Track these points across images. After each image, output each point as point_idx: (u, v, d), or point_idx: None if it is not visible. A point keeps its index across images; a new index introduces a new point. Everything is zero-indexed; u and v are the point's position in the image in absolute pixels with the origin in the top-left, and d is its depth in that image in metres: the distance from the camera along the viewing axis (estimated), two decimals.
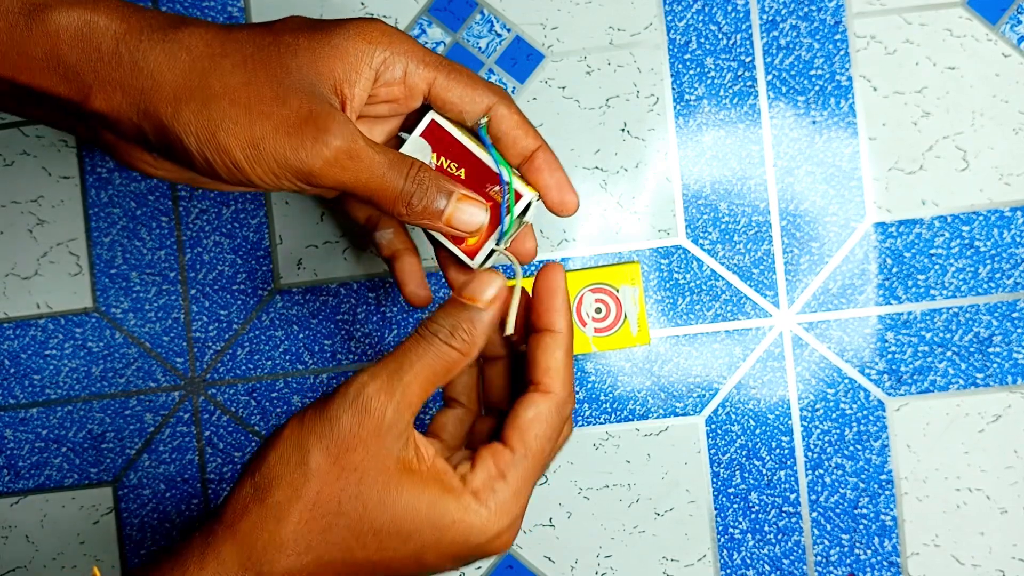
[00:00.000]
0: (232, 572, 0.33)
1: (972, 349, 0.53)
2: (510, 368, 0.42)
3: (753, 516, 0.54)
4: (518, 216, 0.40)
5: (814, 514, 0.53)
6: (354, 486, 0.34)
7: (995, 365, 0.53)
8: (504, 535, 0.36)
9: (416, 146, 0.40)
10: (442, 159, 0.40)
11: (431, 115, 0.40)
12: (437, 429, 0.41)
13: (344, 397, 0.35)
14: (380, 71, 0.37)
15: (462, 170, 0.40)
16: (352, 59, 0.37)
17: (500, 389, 0.42)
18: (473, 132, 0.41)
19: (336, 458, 0.34)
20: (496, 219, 0.40)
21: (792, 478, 0.53)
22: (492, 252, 0.40)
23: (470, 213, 0.38)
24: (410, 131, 0.41)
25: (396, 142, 0.42)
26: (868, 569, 0.53)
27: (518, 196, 0.40)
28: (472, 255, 0.40)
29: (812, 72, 0.54)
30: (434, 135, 0.40)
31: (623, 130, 0.54)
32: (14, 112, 0.39)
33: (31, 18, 0.35)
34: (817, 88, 0.54)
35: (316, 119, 0.35)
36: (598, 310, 0.52)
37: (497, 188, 0.40)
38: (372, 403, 0.34)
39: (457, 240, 0.40)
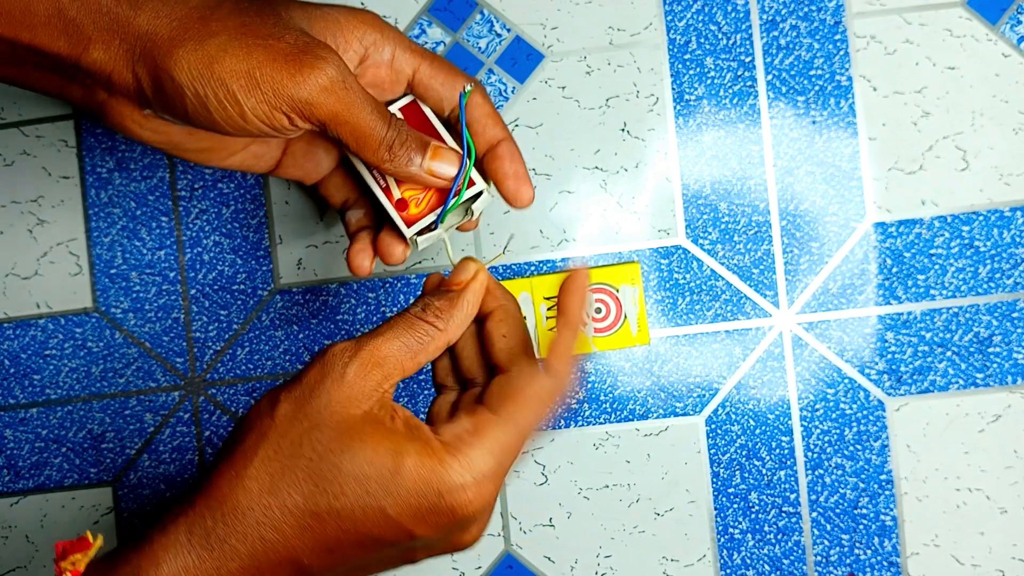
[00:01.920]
0: (200, 516, 0.34)
1: (972, 349, 0.53)
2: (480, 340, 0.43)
3: (753, 516, 0.54)
4: (465, 200, 0.41)
5: (814, 514, 0.53)
6: (315, 430, 0.35)
7: (995, 365, 0.53)
8: (468, 489, 0.35)
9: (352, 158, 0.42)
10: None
11: (412, 95, 0.42)
12: (433, 417, 0.42)
13: (315, 358, 0.36)
14: (370, 51, 0.40)
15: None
16: (345, 32, 0.39)
17: (475, 362, 0.42)
18: (447, 121, 0.43)
19: (300, 406, 0.35)
20: (443, 198, 0.41)
21: (792, 478, 0.53)
22: (429, 227, 0.42)
23: (447, 162, 0.40)
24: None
25: None
26: (868, 569, 0.53)
27: (471, 183, 0.41)
28: (409, 223, 0.42)
29: (812, 72, 0.54)
30: (412, 112, 0.42)
31: (623, 130, 0.54)
32: (8, 79, 0.40)
33: None
34: (817, 88, 0.54)
35: (311, 49, 0.37)
36: (598, 310, 0.52)
37: (416, 187, 0.42)
38: (336, 359, 0.36)
39: (400, 206, 0.41)
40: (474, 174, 0.41)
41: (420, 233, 0.42)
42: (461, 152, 0.41)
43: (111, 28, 0.37)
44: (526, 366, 0.38)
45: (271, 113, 0.37)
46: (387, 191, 0.42)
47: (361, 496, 0.34)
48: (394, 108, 0.42)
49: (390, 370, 0.36)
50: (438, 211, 0.41)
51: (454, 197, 0.41)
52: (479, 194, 0.42)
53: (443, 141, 0.42)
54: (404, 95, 0.43)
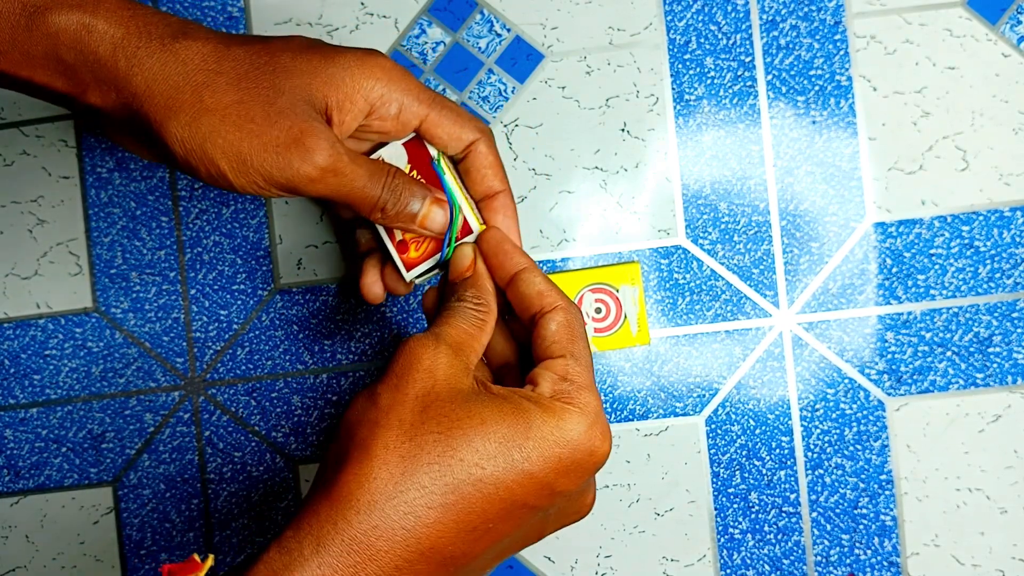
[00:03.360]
0: (330, 522, 0.32)
1: (972, 349, 0.53)
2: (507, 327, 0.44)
3: (753, 516, 0.54)
4: (458, 246, 0.43)
5: (814, 514, 0.53)
6: (432, 406, 0.34)
7: (995, 365, 0.53)
8: (594, 429, 0.35)
9: (395, 151, 0.43)
10: (413, 172, 0.42)
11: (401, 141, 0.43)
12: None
13: (399, 350, 0.37)
14: (376, 105, 0.40)
15: (421, 176, 0.43)
16: (348, 89, 0.39)
17: (502, 352, 0.43)
18: (451, 160, 0.44)
19: (405, 391, 0.35)
20: (439, 246, 0.43)
21: (792, 478, 0.53)
22: (427, 272, 0.43)
23: (440, 216, 0.42)
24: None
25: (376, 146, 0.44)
26: (868, 569, 0.53)
27: (468, 230, 0.42)
28: (409, 267, 0.43)
29: (812, 72, 0.54)
30: (415, 149, 0.43)
31: (623, 130, 0.54)
32: (11, 87, 0.41)
33: (32, 19, 0.36)
34: (817, 88, 0.54)
35: (303, 139, 0.37)
36: (598, 310, 0.52)
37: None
38: (423, 348, 0.36)
39: (402, 248, 0.43)
40: (470, 217, 0.42)
41: (420, 276, 0.43)
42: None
43: (107, 81, 0.37)
44: (551, 315, 0.39)
45: (262, 192, 0.38)
46: (390, 232, 0.43)
47: (499, 458, 0.34)
48: (397, 142, 0.43)
49: (469, 351, 0.37)
50: (436, 257, 0.43)
51: (447, 246, 0.42)
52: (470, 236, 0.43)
53: (436, 183, 0.42)
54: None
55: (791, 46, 0.54)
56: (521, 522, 0.35)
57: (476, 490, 0.33)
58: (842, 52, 0.54)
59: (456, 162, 0.43)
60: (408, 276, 0.43)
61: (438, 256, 0.43)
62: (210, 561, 0.32)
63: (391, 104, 0.40)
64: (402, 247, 0.43)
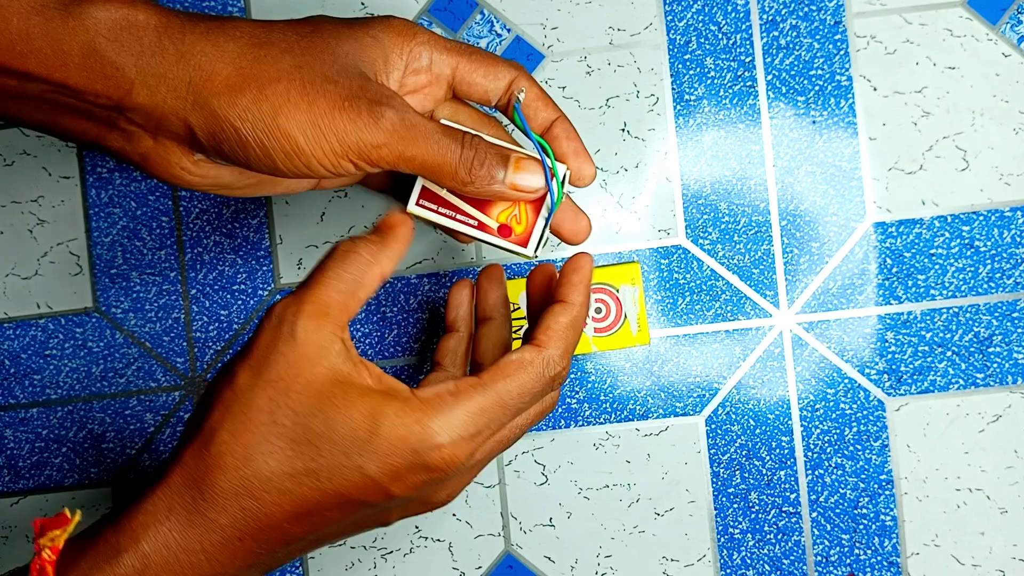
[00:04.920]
0: (178, 495, 0.34)
1: (972, 349, 0.53)
2: (507, 341, 0.44)
3: (753, 516, 0.54)
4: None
5: (814, 514, 0.53)
6: (283, 397, 0.34)
7: (995, 365, 0.53)
8: (444, 448, 0.34)
9: (416, 213, 0.41)
10: (443, 212, 0.41)
11: (420, 182, 0.41)
12: (439, 357, 0.43)
13: (262, 321, 0.35)
14: (408, 60, 0.38)
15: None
16: (387, 50, 0.38)
17: (490, 352, 0.43)
18: (501, 111, 0.42)
19: (259, 373, 0.34)
20: (537, 205, 0.40)
21: (792, 478, 0.53)
22: (543, 235, 0.41)
23: (531, 173, 0.39)
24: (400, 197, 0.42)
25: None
26: (868, 569, 0.53)
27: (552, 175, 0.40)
28: (524, 243, 0.41)
29: (812, 72, 0.54)
30: (429, 198, 0.41)
31: (623, 130, 0.54)
32: (41, 126, 0.38)
33: (67, 12, 0.34)
34: (817, 88, 0.54)
35: (369, 94, 0.36)
36: (598, 310, 0.52)
37: (506, 206, 0.41)
38: (283, 319, 0.35)
39: (505, 232, 0.40)
40: (549, 161, 0.40)
41: (540, 244, 0.41)
42: (538, 157, 0.40)
43: (156, 72, 0.35)
44: (529, 349, 0.37)
45: (337, 162, 0.36)
46: (481, 226, 0.41)
47: (338, 456, 0.34)
48: (412, 205, 0.41)
49: (337, 315, 0.35)
50: (545, 216, 0.40)
51: (553, 182, 0.40)
52: (565, 177, 0.41)
53: (466, 201, 0.41)
54: (410, 179, 0.41)
55: (791, 46, 0.54)
56: (354, 511, 0.35)
57: (312, 481, 0.34)
58: (842, 52, 0.54)
59: (505, 110, 0.42)
60: (531, 252, 0.41)
61: (547, 214, 0.40)
62: (78, 516, 0.34)
63: (421, 56, 0.39)
64: (504, 231, 0.41)
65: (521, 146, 0.41)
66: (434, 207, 0.41)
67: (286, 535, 0.35)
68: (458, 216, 0.41)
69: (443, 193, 0.41)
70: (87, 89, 0.35)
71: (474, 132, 0.39)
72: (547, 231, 0.41)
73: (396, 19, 0.39)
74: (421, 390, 0.36)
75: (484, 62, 0.40)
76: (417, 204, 0.41)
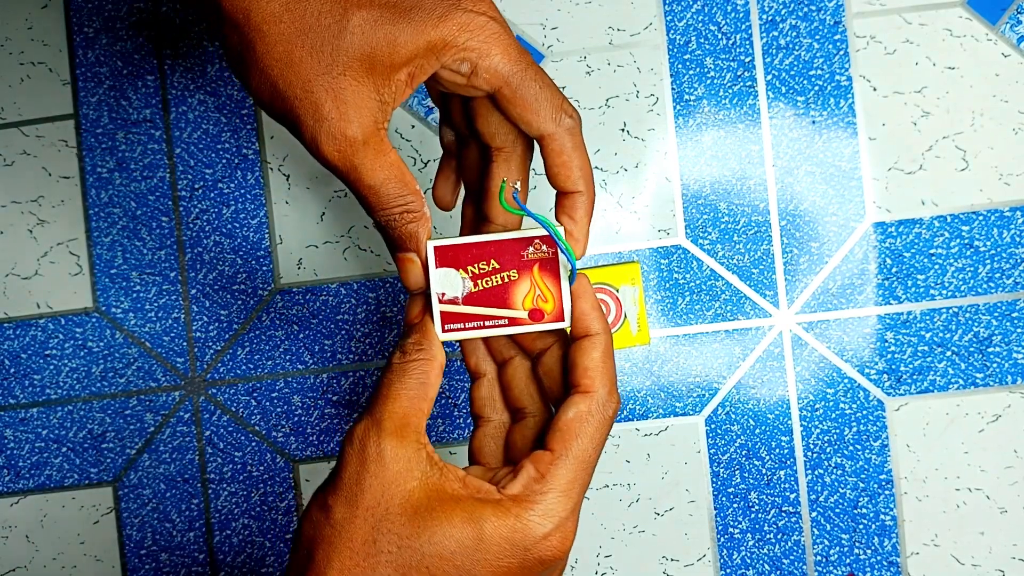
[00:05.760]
0: None
1: (972, 349, 0.53)
2: (534, 368, 0.42)
3: (753, 516, 0.54)
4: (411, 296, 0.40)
5: (814, 514, 0.53)
6: (383, 523, 0.34)
7: (995, 365, 0.53)
8: (552, 537, 0.35)
9: (440, 277, 0.40)
10: (470, 269, 0.40)
11: (437, 308, 0.39)
12: (475, 452, 0.41)
13: (344, 449, 0.35)
14: (449, 55, 0.36)
15: (493, 261, 0.40)
16: (421, 42, 0.36)
17: (526, 391, 0.41)
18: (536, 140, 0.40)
19: (354, 505, 0.34)
20: (554, 273, 0.39)
21: (792, 478, 0.53)
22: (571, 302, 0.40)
23: (408, 275, 0.39)
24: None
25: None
26: (868, 569, 0.53)
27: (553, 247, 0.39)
28: (560, 318, 0.39)
29: (812, 72, 0.54)
30: (451, 320, 0.40)
31: (623, 130, 0.54)
32: None
33: None
34: (817, 88, 0.54)
35: (327, 103, 0.35)
36: None
37: (531, 250, 0.39)
38: (367, 442, 0.35)
39: (536, 315, 0.39)
40: (553, 232, 0.39)
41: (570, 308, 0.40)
42: (524, 265, 0.39)
43: None
44: (582, 400, 0.37)
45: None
46: (512, 322, 0.39)
47: (451, 573, 0.34)
48: (432, 272, 0.39)
49: (416, 423, 0.36)
50: (566, 287, 0.39)
51: (573, 267, 0.39)
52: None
53: (491, 246, 0.39)
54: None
55: (791, 46, 0.54)
56: None
57: None
58: (842, 52, 0.54)
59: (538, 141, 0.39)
60: (567, 325, 0.39)
61: (566, 284, 0.39)
62: None
63: (463, 60, 0.37)
64: (536, 315, 0.39)
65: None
66: (460, 326, 0.40)
67: None
68: (487, 324, 0.40)
69: (461, 309, 0.40)
70: None
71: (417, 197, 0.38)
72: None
73: (482, 4, 0.37)
74: (509, 487, 0.35)
75: (535, 99, 0.37)
76: (444, 331, 0.39)
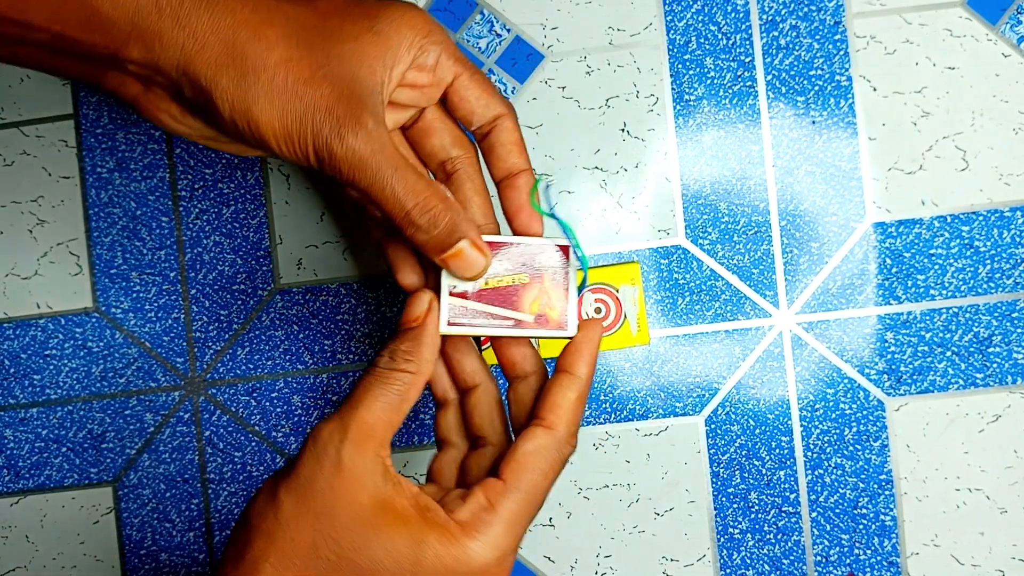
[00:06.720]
0: None
1: (972, 349, 0.53)
2: (500, 399, 0.42)
3: (753, 516, 0.54)
4: (415, 294, 0.40)
5: (814, 514, 0.53)
6: (327, 528, 0.34)
7: (995, 365, 0.53)
8: (491, 569, 0.35)
9: (450, 333, 0.40)
10: (491, 282, 0.40)
11: (446, 301, 0.39)
12: (435, 474, 0.41)
13: (306, 445, 0.35)
14: (416, 55, 0.38)
15: (506, 261, 0.40)
16: (394, 45, 0.37)
17: (487, 420, 0.41)
18: (477, 138, 0.41)
19: (303, 502, 0.34)
20: (564, 282, 0.40)
21: (792, 478, 0.53)
22: (578, 313, 0.40)
23: (477, 259, 0.38)
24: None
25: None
26: (868, 569, 0.53)
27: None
28: (564, 327, 0.40)
29: (812, 72, 0.54)
30: (457, 314, 0.40)
31: (623, 130, 0.54)
32: (46, 68, 0.38)
33: None
34: (817, 88, 0.54)
35: (349, 110, 0.35)
36: (598, 310, 0.52)
37: (545, 256, 0.40)
38: (328, 445, 0.35)
39: (541, 321, 0.40)
40: (572, 241, 0.40)
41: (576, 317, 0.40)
42: (482, 246, 0.39)
43: (151, 29, 0.34)
44: (541, 435, 0.37)
45: (299, 159, 0.36)
46: (518, 323, 0.40)
47: None
48: (446, 299, 0.39)
49: (382, 435, 0.35)
50: (573, 296, 0.40)
51: (586, 276, 0.40)
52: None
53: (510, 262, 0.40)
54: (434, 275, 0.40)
55: (791, 46, 0.54)
56: None
57: None
58: (842, 52, 0.54)
59: (479, 138, 0.41)
60: (571, 332, 0.40)
61: (574, 294, 0.40)
62: None
63: (430, 54, 0.38)
64: (542, 320, 0.40)
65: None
66: (466, 322, 0.39)
67: None
68: (492, 322, 0.40)
69: (471, 304, 0.39)
70: (85, 40, 0.35)
71: (444, 191, 0.38)
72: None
73: (416, 11, 0.38)
74: (458, 512, 0.35)
75: (484, 85, 0.39)
76: (449, 324, 0.39)
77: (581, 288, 0.40)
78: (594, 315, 0.52)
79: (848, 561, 0.53)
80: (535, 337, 0.40)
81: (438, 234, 0.37)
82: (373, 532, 0.34)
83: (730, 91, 0.54)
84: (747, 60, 0.54)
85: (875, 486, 0.53)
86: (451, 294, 0.39)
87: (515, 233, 0.41)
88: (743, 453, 0.54)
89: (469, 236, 0.37)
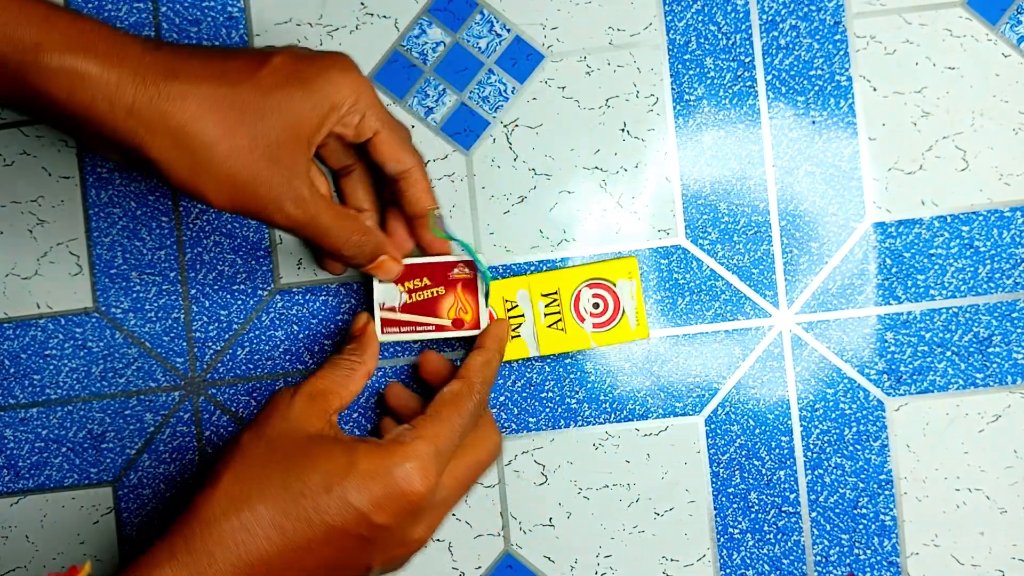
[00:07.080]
0: (180, 534, 0.40)
1: (972, 349, 0.53)
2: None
3: (753, 516, 0.54)
4: (358, 315, 0.51)
5: (814, 514, 0.53)
6: (276, 450, 0.42)
7: (995, 365, 0.53)
8: (415, 473, 0.41)
9: (383, 290, 0.51)
10: (406, 284, 0.51)
11: (378, 314, 0.51)
12: (382, 432, 0.52)
13: (266, 402, 0.45)
14: (344, 113, 0.45)
15: (425, 278, 0.50)
16: (326, 107, 0.44)
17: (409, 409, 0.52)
18: (390, 179, 0.50)
19: (258, 434, 0.43)
20: (473, 290, 0.51)
21: (792, 478, 0.53)
22: (484, 316, 0.51)
23: (384, 272, 0.50)
24: None
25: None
26: (868, 569, 0.53)
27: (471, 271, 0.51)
28: (477, 326, 0.50)
29: (812, 72, 0.54)
30: (390, 324, 0.51)
31: (623, 130, 0.54)
32: (25, 112, 0.43)
33: (36, 53, 0.39)
34: (817, 88, 0.54)
35: (287, 176, 0.43)
36: (596, 305, 0.52)
37: (455, 271, 0.50)
38: (283, 397, 0.44)
39: (458, 324, 0.50)
40: (475, 258, 0.50)
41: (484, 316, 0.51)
42: (449, 282, 0.51)
43: (104, 125, 0.40)
44: (455, 382, 0.47)
45: (240, 214, 0.44)
46: (439, 328, 0.50)
47: (323, 490, 0.40)
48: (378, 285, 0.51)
49: (330, 398, 0.45)
50: (482, 300, 0.51)
51: (487, 285, 0.50)
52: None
53: (424, 267, 0.51)
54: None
55: (791, 46, 0.54)
56: (342, 547, 0.41)
57: (301, 513, 0.40)
58: (842, 52, 0.54)
59: (392, 182, 0.49)
60: (485, 326, 0.51)
61: (483, 299, 0.51)
62: (87, 567, 0.40)
63: (355, 115, 0.46)
64: (458, 323, 0.50)
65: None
66: (396, 330, 0.50)
67: (277, 571, 0.40)
68: (418, 329, 0.50)
69: (398, 315, 0.50)
70: (54, 111, 0.41)
71: (369, 226, 0.48)
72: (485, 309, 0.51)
73: (349, 76, 0.45)
74: (385, 436, 0.43)
75: (396, 142, 0.48)
76: (383, 332, 0.50)
77: (487, 294, 0.50)
78: (592, 310, 0.53)
79: (848, 561, 0.53)
80: (454, 338, 0.52)
81: (364, 255, 0.48)
82: (315, 447, 0.42)
83: (730, 91, 0.54)
84: (747, 60, 0.54)
85: (875, 486, 0.53)
86: (382, 308, 0.50)
87: (412, 212, 0.50)
88: (743, 453, 0.54)
89: (387, 251, 0.49)
